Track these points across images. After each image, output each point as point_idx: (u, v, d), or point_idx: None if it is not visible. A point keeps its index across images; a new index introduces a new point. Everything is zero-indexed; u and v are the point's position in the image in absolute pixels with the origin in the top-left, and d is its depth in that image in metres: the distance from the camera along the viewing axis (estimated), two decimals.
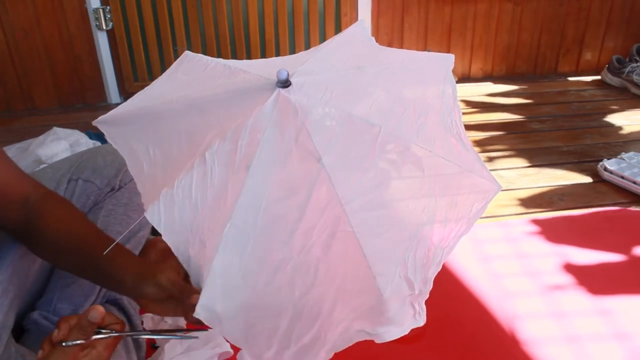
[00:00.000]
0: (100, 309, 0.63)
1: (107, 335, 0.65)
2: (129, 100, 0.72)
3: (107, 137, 0.71)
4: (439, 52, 2.34)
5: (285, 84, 0.61)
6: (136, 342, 0.92)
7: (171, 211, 0.61)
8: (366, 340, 0.99)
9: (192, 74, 0.73)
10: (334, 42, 0.75)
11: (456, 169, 0.66)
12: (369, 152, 0.62)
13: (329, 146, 0.60)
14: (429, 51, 2.06)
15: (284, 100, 0.60)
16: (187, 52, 0.74)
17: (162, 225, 0.61)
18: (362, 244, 0.59)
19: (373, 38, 0.81)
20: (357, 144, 0.62)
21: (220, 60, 0.72)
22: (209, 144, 0.62)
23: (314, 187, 0.60)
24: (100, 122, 0.71)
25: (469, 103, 2.19)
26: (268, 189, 0.60)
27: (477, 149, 1.77)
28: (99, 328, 0.65)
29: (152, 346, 0.95)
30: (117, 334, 0.66)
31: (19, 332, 0.89)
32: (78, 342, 0.62)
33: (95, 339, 0.64)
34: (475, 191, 0.67)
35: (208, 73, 0.72)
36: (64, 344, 0.62)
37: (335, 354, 0.95)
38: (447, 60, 0.74)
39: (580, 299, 1.06)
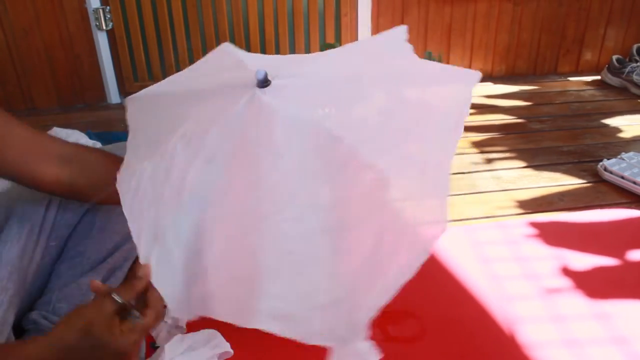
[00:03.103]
0: (148, 266, 0.62)
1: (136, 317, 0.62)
2: (161, 82, 0.78)
3: (127, 114, 0.77)
4: (439, 52, 2.34)
5: (264, 83, 0.63)
6: None
7: (133, 196, 0.66)
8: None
9: (211, 65, 0.77)
10: (360, 46, 0.78)
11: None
12: (324, 166, 0.63)
13: (288, 147, 0.62)
14: (429, 53, 2.06)
15: (257, 100, 0.63)
16: (225, 44, 0.76)
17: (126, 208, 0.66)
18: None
19: (410, 46, 0.80)
20: (315, 154, 0.63)
21: (245, 54, 0.74)
22: (181, 134, 0.65)
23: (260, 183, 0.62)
24: (130, 99, 0.77)
25: None
26: (226, 183, 0.63)
27: (476, 149, 1.77)
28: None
29: (152, 346, 0.95)
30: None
31: (19, 332, 0.89)
32: (124, 302, 0.61)
33: (130, 323, 0.61)
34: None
35: (222, 64, 0.75)
36: (116, 298, 0.61)
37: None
38: (469, 79, 0.72)
39: (580, 301, 1.06)
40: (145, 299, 0.64)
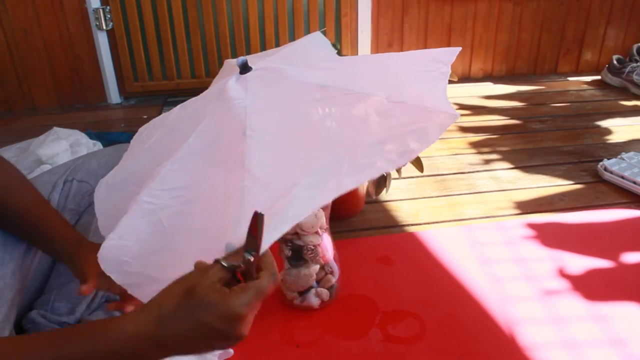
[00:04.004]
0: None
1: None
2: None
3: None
4: None
5: (245, 70, 0.70)
6: None
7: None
8: (363, 340, 1.00)
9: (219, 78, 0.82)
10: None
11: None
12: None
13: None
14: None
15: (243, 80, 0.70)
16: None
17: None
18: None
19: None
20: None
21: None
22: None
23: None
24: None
25: (468, 103, 2.19)
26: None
27: (475, 149, 1.77)
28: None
29: None
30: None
31: (19, 331, 0.90)
32: (233, 264, 0.51)
33: (243, 282, 0.52)
34: None
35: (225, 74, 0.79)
36: (222, 262, 0.52)
37: (335, 352, 0.95)
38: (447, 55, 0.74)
39: (578, 303, 1.06)
40: (258, 265, 0.54)
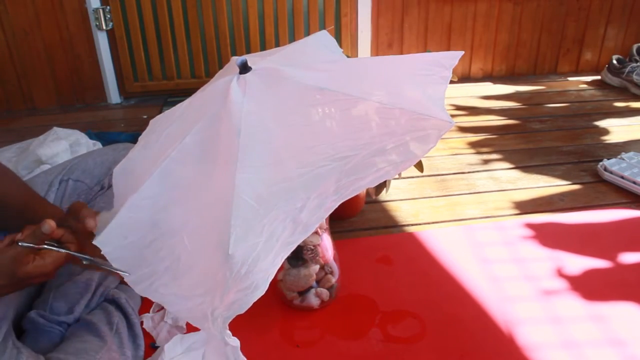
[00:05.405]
0: (51, 223, 0.72)
1: (53, 248, 0.73)
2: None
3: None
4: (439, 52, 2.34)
5: (245, 69, 0.70)
6: (133, 341, 0.92)
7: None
8: (363, 340, 1.00)
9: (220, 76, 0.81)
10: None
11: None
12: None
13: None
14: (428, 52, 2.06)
15: (242, 81, 0.69)
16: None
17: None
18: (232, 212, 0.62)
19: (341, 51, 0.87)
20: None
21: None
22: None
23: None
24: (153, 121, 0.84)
25: (468, 103, 2.19)
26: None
27: (475, 149, 1.77)
28: (57, 243, 0.74)
29: (152, 346, 0.95)
30: (62, 250, 0.74)
31: (19, 332, 0.90)
32: (30, 245, 0.71)
33: (45, 251, 0.72)
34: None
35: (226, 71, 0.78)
36: (19, 243, 0.71)
37: (335, 352, 0.95)
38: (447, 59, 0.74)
39: (578, 303, 1.06)
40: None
